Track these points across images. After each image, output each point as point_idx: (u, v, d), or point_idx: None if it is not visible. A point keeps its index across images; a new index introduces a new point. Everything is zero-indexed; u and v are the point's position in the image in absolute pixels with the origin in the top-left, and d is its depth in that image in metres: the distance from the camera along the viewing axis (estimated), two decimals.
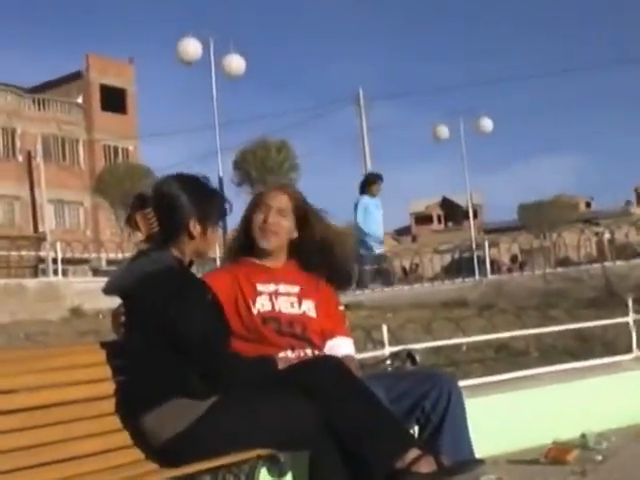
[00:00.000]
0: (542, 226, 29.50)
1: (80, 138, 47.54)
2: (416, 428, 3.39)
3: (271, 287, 3.47)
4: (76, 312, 12.80)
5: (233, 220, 3.63)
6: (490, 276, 14.43)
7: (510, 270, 21.75)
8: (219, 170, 17.22)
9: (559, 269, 14.01)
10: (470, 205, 28.08)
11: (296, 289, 3.52)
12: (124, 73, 49.51)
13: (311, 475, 2.99)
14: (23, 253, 17.15)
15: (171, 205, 3.08)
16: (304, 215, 3.57)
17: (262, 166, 27.46)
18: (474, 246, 18.99)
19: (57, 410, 2.84)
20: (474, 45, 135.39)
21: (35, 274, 16.91)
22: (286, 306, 3.46)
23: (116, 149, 48.50)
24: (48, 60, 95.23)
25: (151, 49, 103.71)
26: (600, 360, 6.37)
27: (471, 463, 3.06)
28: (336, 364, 3.07)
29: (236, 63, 16.74)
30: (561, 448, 5.03)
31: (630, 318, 6.62)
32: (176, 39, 16.52)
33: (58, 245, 17.07)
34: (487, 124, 24.60)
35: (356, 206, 13.10)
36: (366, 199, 13.03)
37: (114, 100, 48.02)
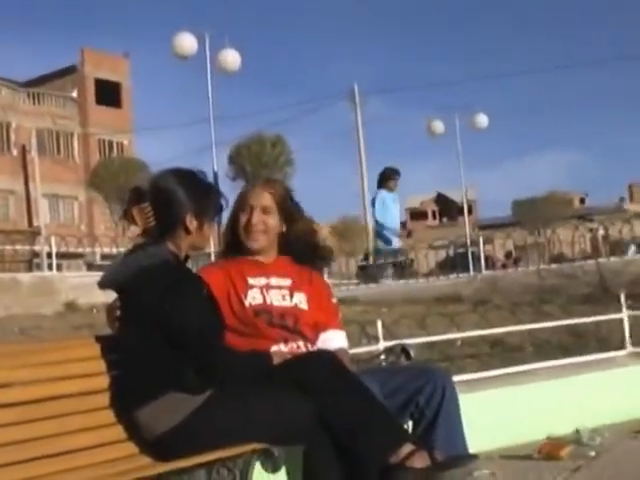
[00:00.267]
0: (536, 222, 29.54)
1: (75, 132, 47.47)
2: (410, 423, 3.39)
3: (262, 280, 3.48)
4: (70, 306, 12.79)
5: (226, 215, 3.64)
6: (484, 272, 14.46)
7: (504, 266, 21.77)
8: (214, 165, 17.20)
9: (553, 265, 14.03)
10: (465, 201, 28.09)
11: (288, 282, 3.53)
12: (119, 67, 49.42)
13: (305, 470, 3.00)
14: (17, 247, 17.12)
15: (168, 200, 3.08)
16: (288, 211, 3.57)
17: (257, 161, 27.42)
18: (469, 242, 19.01)
19: (51, 404, 2.85)
20: (470, 41, 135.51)
21: (29, 268, 16.89)
22: (277, 299, 3.47)
23: (111, 143, 48.43)
24: (43, 54, 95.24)
25: (146, 43, 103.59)
26: (594, 356, 6.39)
27: (465, 458, 3.07)
28: (330, 359, 3.08)
29: (231, 58, 16.72)
30: (555, 444, 5.05)
31: (624, 314, 6.63)
32: (172, 34, 16.49)
33: (53, 239, 17.05)
34: (482, 120, 24.54)
35: (374, 200, 13.30)
36: (384, 193, 13.15)
37: (109, 94, 47.94)
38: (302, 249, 3.60)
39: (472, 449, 3.35)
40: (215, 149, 17.57)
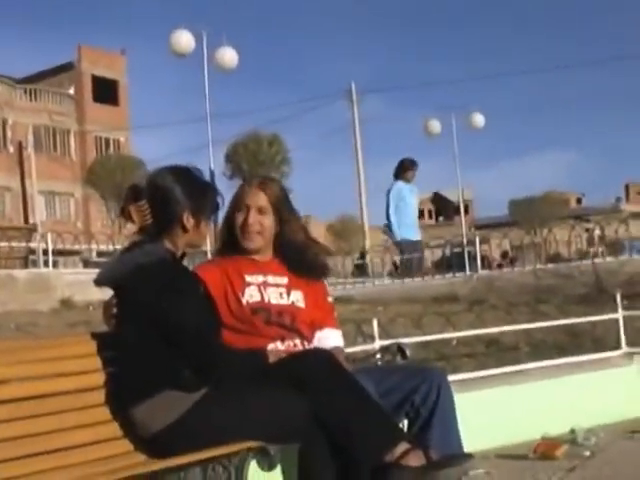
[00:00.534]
0: (533, 222, 29.58)
1: (71, 129, 47.43)
2: (405, 422, 3.40)
3: (260, 278, 3.48)
4: (66, 303, 12.76)
5: (223, 213, 3.63)
6: (481, 271, 14.44)
7: (501, 266, 21.78)
8: (211, 163, 17.23)
9: (549, 265, 14.03)
10: (461, 200, 28.12)
11: (285, 280, 3.53)
12: (116, 64, 49.39)
13: (300, 468, 3.00)
14: (14, 244, 17.08)
15: (165, 197, 3.08)
16: (282, 212, 3.56)
17: (254, 159, 27.41)
18: (465, 241, 19.02)
19: (47, 401, 2.84)
20: (468, 41, 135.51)
21: (25, 265, 16.84)
22: (275, 297, 3.46)
23: (107, 140, 48.40)
24: (40, 50, 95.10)
25: (144, 41, 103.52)
26: (589, 356, 6.39)
27: (460, 457, 3.08)
28: (326, 358, 3.08)
29: (229, 56, 16.73)
30: (550, 443, 5.05)
31: (619, 314, 6.63)
32: (169, 31, 16.50)
33: (49, 236, 17.01)
34: (479, 120, 24.60)
35: (389, 192, 12.85)
36: (400, 184, 12.78)
37: (106, 91, 47.92)
38: (295, 257, 3.57)
39: (467, 448, 3.36)
40: (212, 147, 17.61)
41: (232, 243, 3.55)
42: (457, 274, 13.97)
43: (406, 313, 8.16)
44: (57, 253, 18.18)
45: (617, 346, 6.55)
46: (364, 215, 31.81)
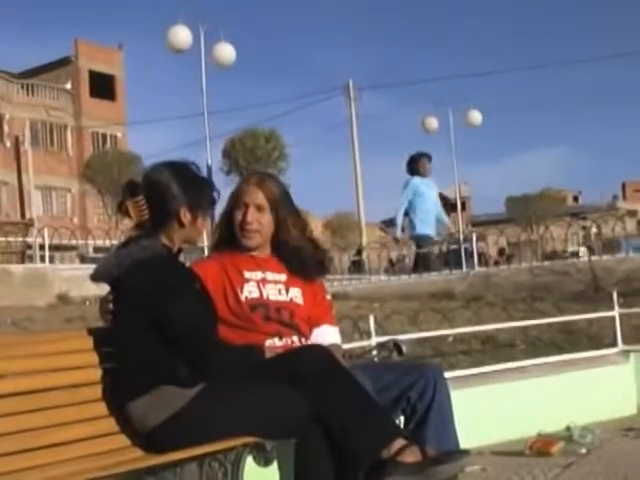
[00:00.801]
0: (529, 219, 29.62)
1: (68, 124, 47.38)
2: (402, 418, 3.40)
3: (258, 274, 3.48)
4: (63, 299, 12.75)
5: (220, 209, 3.63)
6: (477, 268, 14.43)
7: (497, 263, 21.79)
8: (208, 158, 17.20)
9: (546, 262, 14.03)
10: (458, 197, 28.12)
11: (283, 277, 3.53)
12: (113, 59, 49.34)
13: (297, 464, 3.00)
14: (10, 239, 17.04)
15: (162, 193, 3.08)
16: (280, 210, 3.55)
17: (251, 155, 27.45)
18: (462, 238, 19.01)
19: (44, 396, 2.84)
20: (466, 38, 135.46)
21: (22, 260, 16.80)
22: (274, 293, 3.47)
23: (104, 136, 48.37)
24: (37, 45, 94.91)
25: (141, 36, 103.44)
26: (585, 353, 6.40)
27: (456, 454, 3.08)
28: (323, 354, 3.08)
29: (226, 52, 16.68)
30: (546, 440, 5.06)
31: (615, 312, 6.64)
32: (166, 26, 16.44)
33: (45, 231, 16.97)
34: (476, 117, 24.62)
35: (404, 188, 12.37)
36: (416, 180, 12.29)
37: (103, 86, 47.87)
38: (293, 256, 3.57)
39: (463, 445, 3.36)
40: (209, 143, 17.58)
41: (229, 239, 3.55)
42: (454, 271, 13.95)
43: (402, 310, 8.15)
44: (54, 248, 18.16)
45: (613, 344, 6.56)
46: (361, 211, 31.78)
